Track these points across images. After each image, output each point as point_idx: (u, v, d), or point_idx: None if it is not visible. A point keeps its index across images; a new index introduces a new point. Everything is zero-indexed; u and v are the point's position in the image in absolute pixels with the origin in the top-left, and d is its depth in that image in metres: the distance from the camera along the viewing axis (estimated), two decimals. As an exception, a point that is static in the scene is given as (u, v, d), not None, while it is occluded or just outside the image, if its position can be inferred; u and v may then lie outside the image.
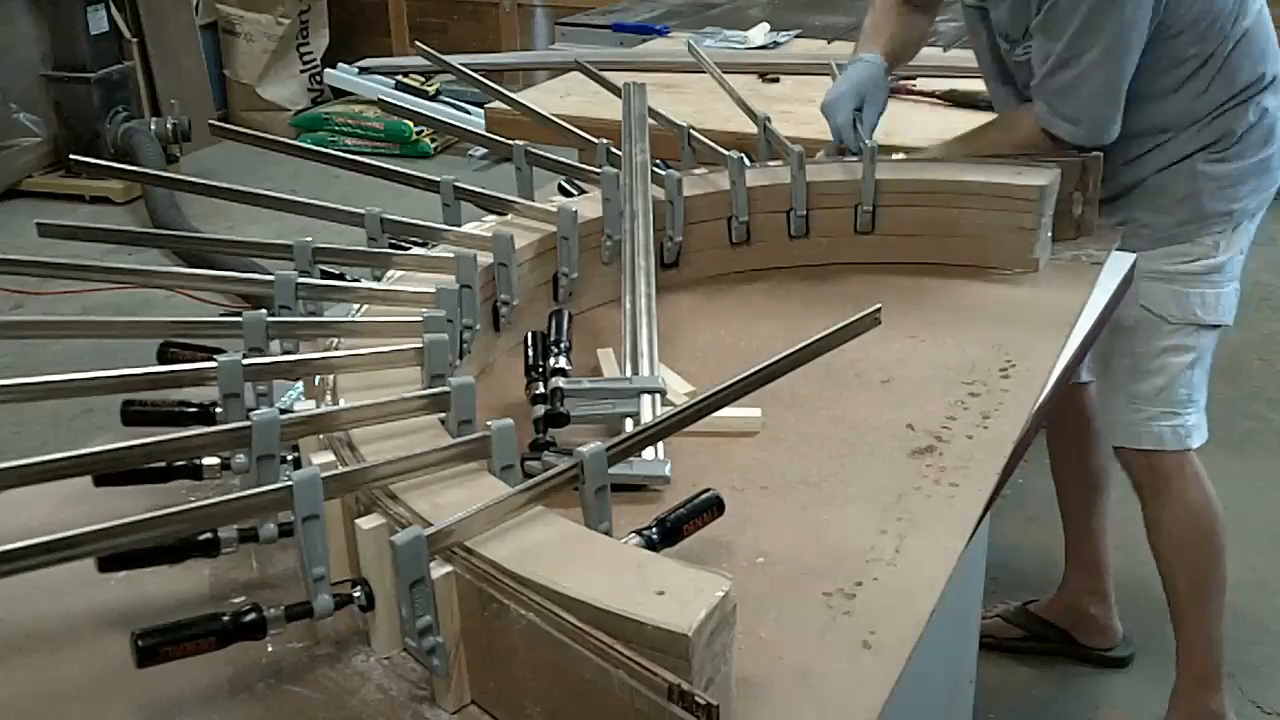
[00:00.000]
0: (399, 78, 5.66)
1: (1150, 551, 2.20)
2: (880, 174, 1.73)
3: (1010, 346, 1.51)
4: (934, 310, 1.63)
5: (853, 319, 1.14)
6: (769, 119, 1.85)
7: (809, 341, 1.11)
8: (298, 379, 1.29)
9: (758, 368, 1.08)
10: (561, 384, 1.28)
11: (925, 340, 1.54)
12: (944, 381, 1.44)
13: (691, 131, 1.83)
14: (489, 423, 1.03)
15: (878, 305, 1.14)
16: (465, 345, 1.40)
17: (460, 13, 6.41)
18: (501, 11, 6.33)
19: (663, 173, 1.68)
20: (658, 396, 1.30)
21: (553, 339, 1.36)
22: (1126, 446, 2.13)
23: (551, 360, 1.33)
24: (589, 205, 1.63)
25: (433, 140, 5.90)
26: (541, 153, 1.71)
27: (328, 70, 6.25)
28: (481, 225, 1.58)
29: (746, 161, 1.74)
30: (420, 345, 1.18)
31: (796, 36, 3.35)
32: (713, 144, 1.79)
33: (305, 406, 1.19)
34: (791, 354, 1.10)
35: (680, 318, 1.63)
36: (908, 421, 1.35)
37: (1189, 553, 2.16)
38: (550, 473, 0.97)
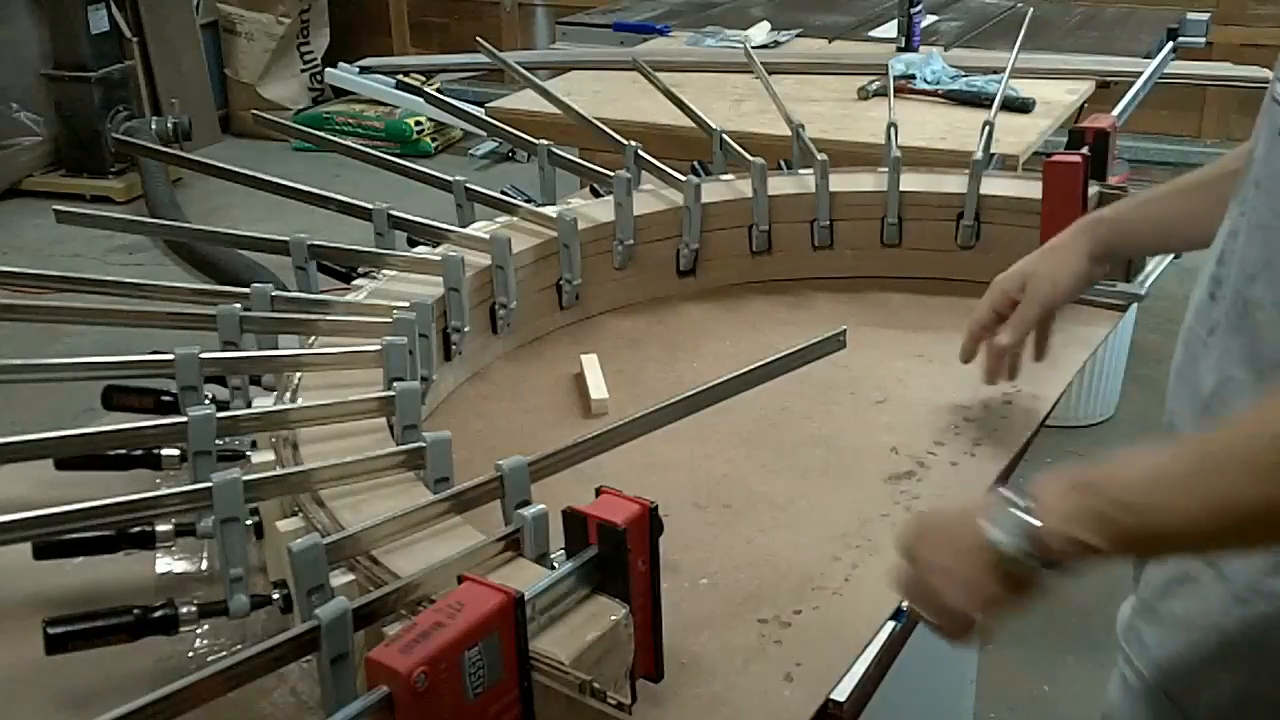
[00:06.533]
0: (399, 77, 5.70)
1: None
2: (907, 185, 1.68)
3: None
4: (949, 329, 1.55)
5: (816, 339, 1.11)
6: (803, 125, 1.81)
7: (765, 362, 1.08)
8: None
9: (702, 387, 1.05)
10: None
11: (933, 360, 1.50)
12: (941, 404, 1.39)
13: (724, 137, 1.80)
14: (424, 435, 1.03)
15: (843, 327, 1.11)
16: (455, 346, 1.40)
17: (461, 12, 6.39)
18: (502, 10, 6.32)
19: (681, 179, 1.66)
20: None
21: None
22: None
23: None
24: (605, 209, 1.62)
25: (433, 140, 5.89)
26: (561, 154, 1.70)
27: (328, 70, 6.17)
28: (486, 226, 1.57)
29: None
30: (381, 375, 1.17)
31: (797, 36, 3.33)
32: (743, 150, 1.76)
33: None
34: (743, 374, 1.07)
35: (693, 327, 1.61)
36: (893, 444, 1.31)
37: None
38: (467, 484, 0.96)
